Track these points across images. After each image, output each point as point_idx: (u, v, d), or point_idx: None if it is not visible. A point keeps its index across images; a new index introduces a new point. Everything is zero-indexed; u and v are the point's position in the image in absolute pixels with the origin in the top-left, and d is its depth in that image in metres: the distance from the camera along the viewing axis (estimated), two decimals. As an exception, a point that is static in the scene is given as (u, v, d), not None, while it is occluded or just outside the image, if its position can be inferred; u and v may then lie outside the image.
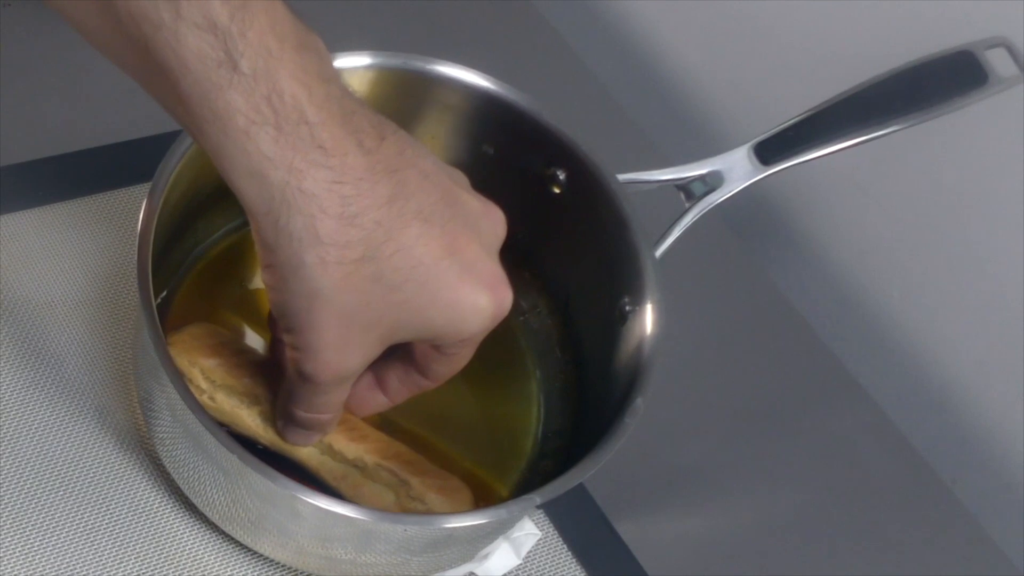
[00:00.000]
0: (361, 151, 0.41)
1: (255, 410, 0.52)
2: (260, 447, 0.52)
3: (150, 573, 0.55)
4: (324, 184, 0.41)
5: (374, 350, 0.45)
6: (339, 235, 0.41)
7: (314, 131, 0.40)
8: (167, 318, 0.57)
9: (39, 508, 0.55)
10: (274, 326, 0.51)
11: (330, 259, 0.41)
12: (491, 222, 0.46)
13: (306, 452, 0.52)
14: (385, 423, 0.58)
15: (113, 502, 0.56)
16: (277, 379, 0.51)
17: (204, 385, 0.52)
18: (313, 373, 0.45)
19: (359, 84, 0.57)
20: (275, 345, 0.52)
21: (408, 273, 0.43)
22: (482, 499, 0.56)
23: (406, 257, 0.43)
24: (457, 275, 0.44)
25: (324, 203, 0.41)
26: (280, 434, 0.51)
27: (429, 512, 0.52)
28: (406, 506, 0.52)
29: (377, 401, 0.51)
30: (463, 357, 0.49)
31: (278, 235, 0.41)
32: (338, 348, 0.44)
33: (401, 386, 0.51)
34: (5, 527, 0.54)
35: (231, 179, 0.41)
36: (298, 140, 0.40)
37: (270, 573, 0.57)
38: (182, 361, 0.52)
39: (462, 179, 0.47)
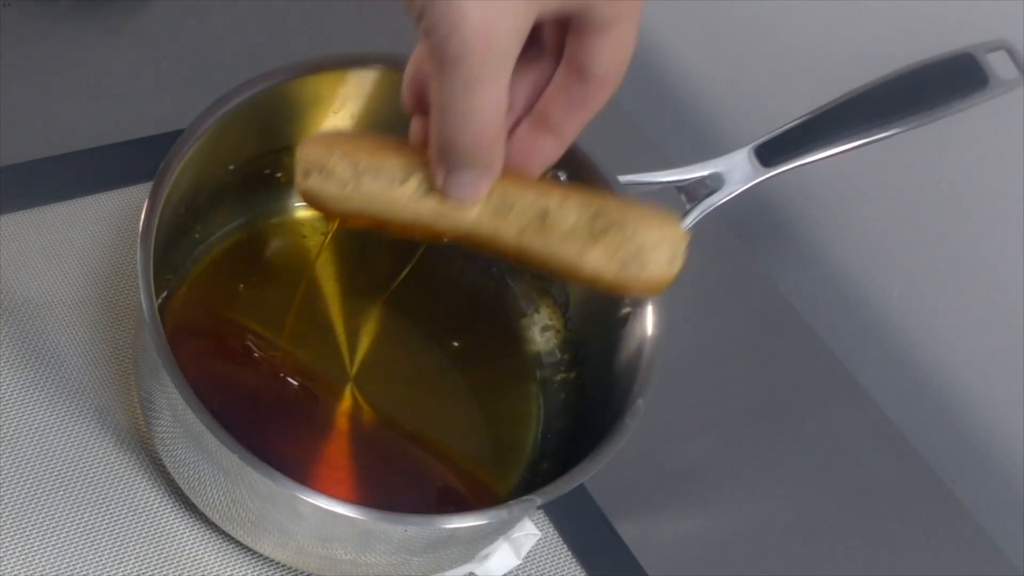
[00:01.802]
0: None
1: (410, 183, 0.45)
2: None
3: (150, 573, 0.55)
4: None
5: (524, 14, 0.40)
6: None
7: None
8: (167, 318, 0.57)
9: (39, 508, 0.55)
10: (411, 95, 0.46)
11: None
12: None
13: (477, 218, 0.45)
14: (385, 423, 0.58)
15: (113, 502, 0.56)
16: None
17: (347, 174, 0.46)
18: (461, 47, 0.39)
19: (363, 84, 0.57)
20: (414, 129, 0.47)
21: None
22: (482, 500, 0.56)
23: None
24: None
25: None
26: (444, 193, 0.44)
27: (633, 242, 0.44)
28: (606, 239, 0.45)
29: (545, 147, 0.45)
30: (626, 35, 0.42)
31: None
32: (482, 6, 0.38)
33: (567, 111, 0.44)
34: (5, 527, 0.54)
35: None
36: None
37: (270, 573, 0.57)
38: (318, 150, 0.46)
39: None
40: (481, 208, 0.45)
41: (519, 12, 0.39)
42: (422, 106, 0.46)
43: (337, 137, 0.48)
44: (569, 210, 0.45)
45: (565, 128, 0.45)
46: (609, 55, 0.42)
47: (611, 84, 0.43)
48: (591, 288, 0.46)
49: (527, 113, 0.45)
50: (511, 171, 0.45)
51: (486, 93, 0.40)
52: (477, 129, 0.42)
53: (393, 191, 0.45)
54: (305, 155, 0.46)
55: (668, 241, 0.45)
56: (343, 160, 0.46)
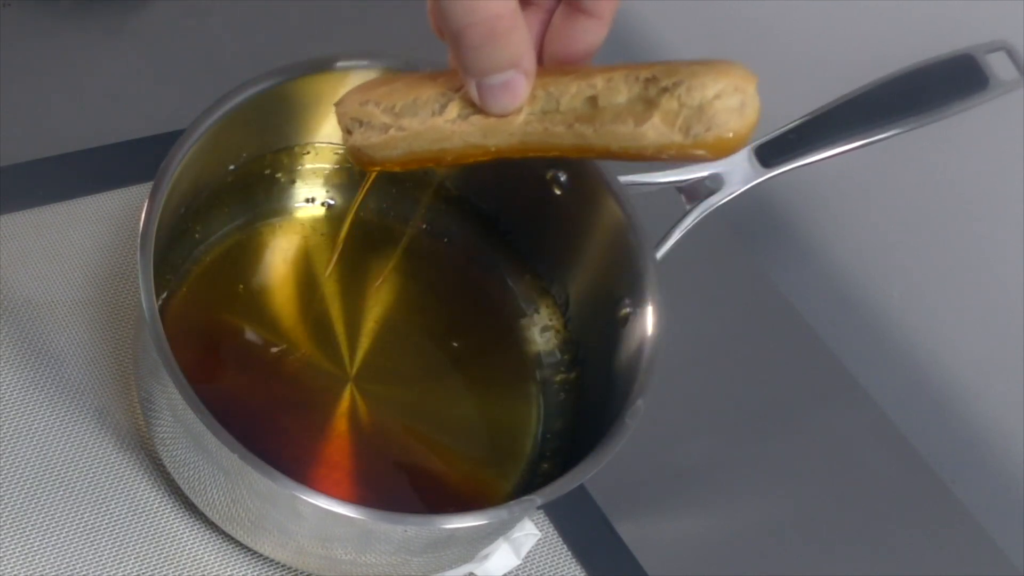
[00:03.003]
0: None
1: (450, 109, 0.44)
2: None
3: (150, 573, 0.55)
4: None
5: None
6: None
7: None
8: (167, 318, 0.57)
9: (39, 508, 0.55)
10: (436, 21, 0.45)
11: None
12: None
13: (525, 123, 0.43)
14: (385, 424, 0.58)
15: (113, 502, 0.56)
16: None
17: (386, 119, 0.45)
18: None
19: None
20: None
21: None
22: (482, 500, 0.56)
23: None
24: None
25: None
26: (483, 106, 0.43)
27: (692, 97, 0.40)
28: (662, 104, 0.41)
29: (586, 29, 0.44)
30: None
31: None
32: None
33: None
34: (5, 527, 0.54)
35: None
36: None
37: (270, 573, 0.57)
38: (353, 105, 0.46)
39: None
40: (527, 112, 0.43)
41: None
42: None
43: (369, 86, 0.47)
44: (618, 85, 0.41)
45: (601, 6, 0.43)
46: None
47: None
48: (674, 159, 0.42)
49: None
50: (556, 66, 0.43)
51: None
52: (484, 15, 0.41)
53: (435, 121, 0.44)
54: (342, 112, 0.46)
55: (732, 87, 0.40)
56: (378, 107, 0.45)
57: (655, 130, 0.41)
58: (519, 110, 0.43)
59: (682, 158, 0.42)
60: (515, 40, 0.42)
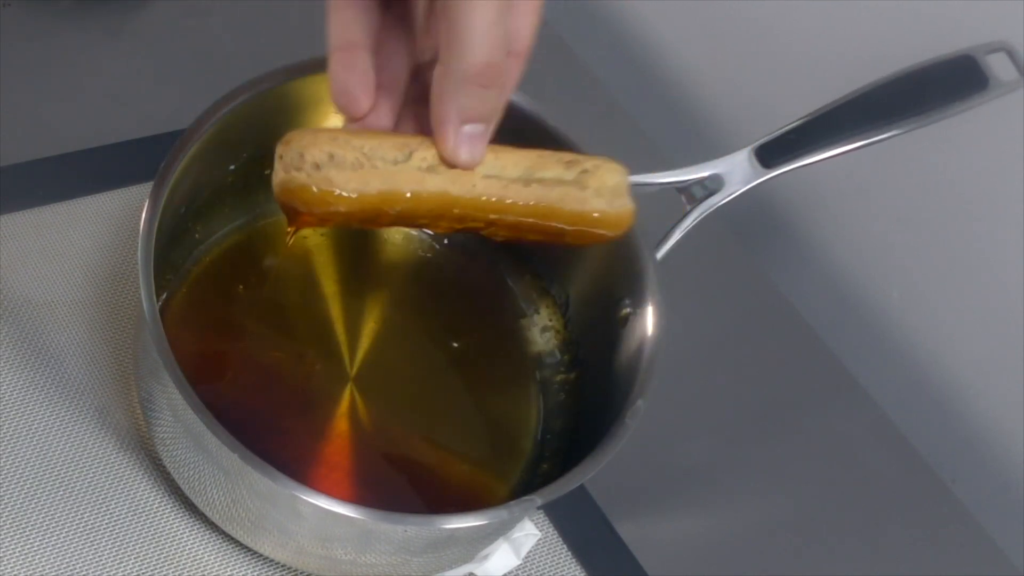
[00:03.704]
0: None
1: (416, 156, 0.47)
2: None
3: (150, 573, 0.55)
4: None
5: None
6: None
7: None
8: (167, 318, 0.57)
9: (39, 508, 0.55)
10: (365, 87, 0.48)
11: None
12: None
13: (484, 184, 0.47)
14: (385, 424, 0.58)
15: (113, 502, 0.56)
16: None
17: (359, 155, 0.47)
18: None
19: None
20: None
21: None
22: (482, 500, 0.56)
23: None
24: None
25: None
26: (455, 156, 0.47)
27: (606, 180, 0.49)
28: (592, 183, 0.49)
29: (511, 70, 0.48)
30: None
31: None
32: None
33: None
34: (5, 527, 0.54)
35: None
36: None
37: (270, 573, 0.57)
38: (322, 138, 0.47)
39: None
40: (484, 180, 0.47)
41: None
42: (387, 87, 0.48)
43: (317, 130, 0.48)
44: (547, 162, 0.48)
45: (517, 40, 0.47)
46: None
47: None
48: (585, 236, 0.49)
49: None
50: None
51: (494, 30, 0.43)
52: (499, 57, 0.44)
53: (406, 166, 0.47)
54: (308, 143, 0.46)
55: (623, 175, 0.49)
56: (348, 144, 0.46)
57: (596, 196, 0.49)
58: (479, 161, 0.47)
59: (589, 239, 0.49)
60: (500, 93, 0.46)
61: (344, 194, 0.46)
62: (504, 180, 0.48)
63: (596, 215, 0.49)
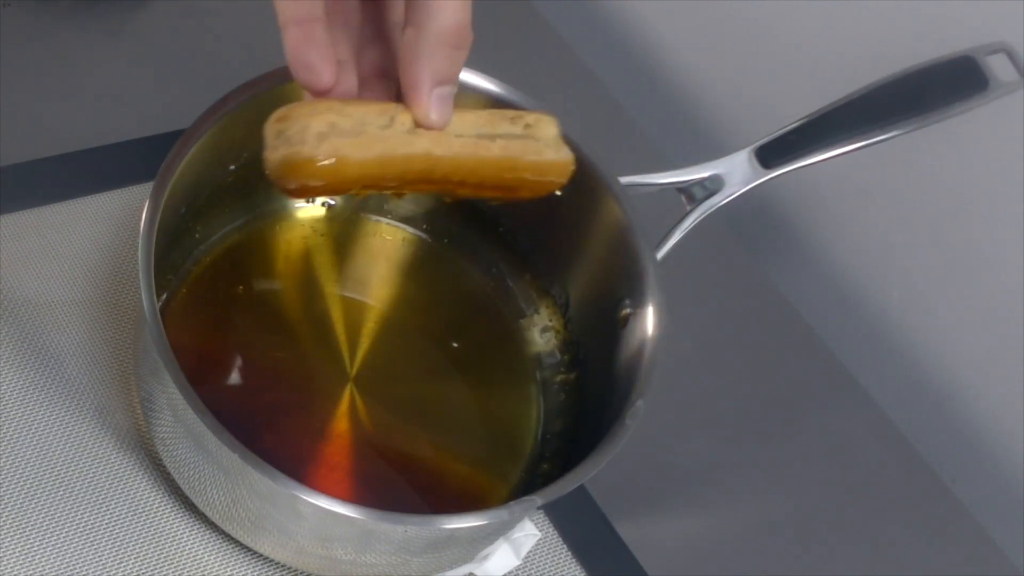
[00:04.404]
0: None
1: (398, 121, 0.48)
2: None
3: (150, 573, 0.55)
4: None
5: None
6: None
7: None
8: (167, 318, 0.57)
9: (39, 508, 0.55)
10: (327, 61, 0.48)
11: None
12: None
13: (459, 143, 0.49)
14: (385, 424, 0.58)
15: (113, 502, 0.56)
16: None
17: (353, 123, 0.47)
18: None
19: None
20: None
21: None
22: (482, 500, 0.56)
23: None
24: None
25: None
26: (429, 119, 0.48)
27: (548, 130, 0.51)
28: (539, 134, 0.51)
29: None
30: None
31: None
32: None
33: None
34: (5, 527, 0.54)
35: None
36: None
37: (270, 573, 0.57)
38: (320, 108, 0.47)
39: None
40: (451, 130, 0.49)
41: None
42: (343, 58, 0.49)
43: (312, 103, 0.48)
44: (496, 120, 0.50)
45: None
46: None
47: None
48: (540, 187, 0.51)
49: None
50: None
51: None
52: (468, 20, 0.46)
53: (392, 130, 0.47)
54: (308, 113, 0.46)
55: (558, 125, 0.51)
56: (342, 114, 0.47)
57: (546, 147, 0.50)
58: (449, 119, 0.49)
59: (543, 188, 0.51)
60: (465, 54, 0.47)
61: (352, 159, 0.47)
62: (471, 138, 0.49)
63: (550, 164, 0.50)
